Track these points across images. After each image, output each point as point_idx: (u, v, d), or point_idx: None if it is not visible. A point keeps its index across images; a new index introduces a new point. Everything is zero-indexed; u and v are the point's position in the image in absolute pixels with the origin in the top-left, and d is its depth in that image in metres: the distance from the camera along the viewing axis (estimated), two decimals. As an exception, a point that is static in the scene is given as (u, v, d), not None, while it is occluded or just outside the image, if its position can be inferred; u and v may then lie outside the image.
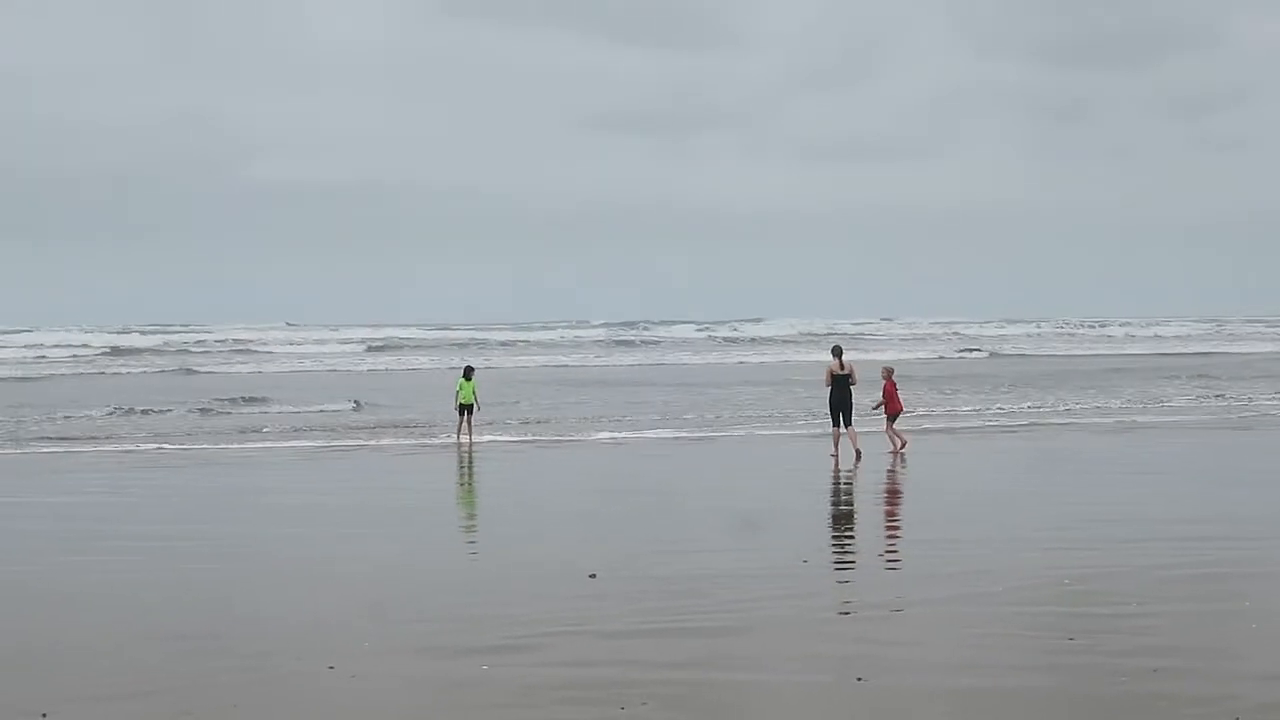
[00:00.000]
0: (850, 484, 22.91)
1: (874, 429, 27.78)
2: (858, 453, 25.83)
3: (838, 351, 27.48)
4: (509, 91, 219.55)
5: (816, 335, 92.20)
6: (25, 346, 76.91)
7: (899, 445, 26.75)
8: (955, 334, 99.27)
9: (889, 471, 24.16)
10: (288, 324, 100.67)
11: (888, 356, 67.37)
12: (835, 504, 21.04)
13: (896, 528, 18.11)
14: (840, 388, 26.73)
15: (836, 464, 25.07)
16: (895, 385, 27.89)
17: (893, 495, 21.80)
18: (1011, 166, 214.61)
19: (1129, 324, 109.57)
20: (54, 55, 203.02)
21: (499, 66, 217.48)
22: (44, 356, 70.84)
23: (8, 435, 31.41)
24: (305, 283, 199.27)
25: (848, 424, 26.60)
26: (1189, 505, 19.54)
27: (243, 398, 41.01)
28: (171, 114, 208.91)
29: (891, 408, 27.50)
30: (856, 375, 27.09)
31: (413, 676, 10.31)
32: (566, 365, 66.60)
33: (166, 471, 24.92)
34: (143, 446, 29.04)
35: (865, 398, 28.73)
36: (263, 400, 40.80)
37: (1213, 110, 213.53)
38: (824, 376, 27.27)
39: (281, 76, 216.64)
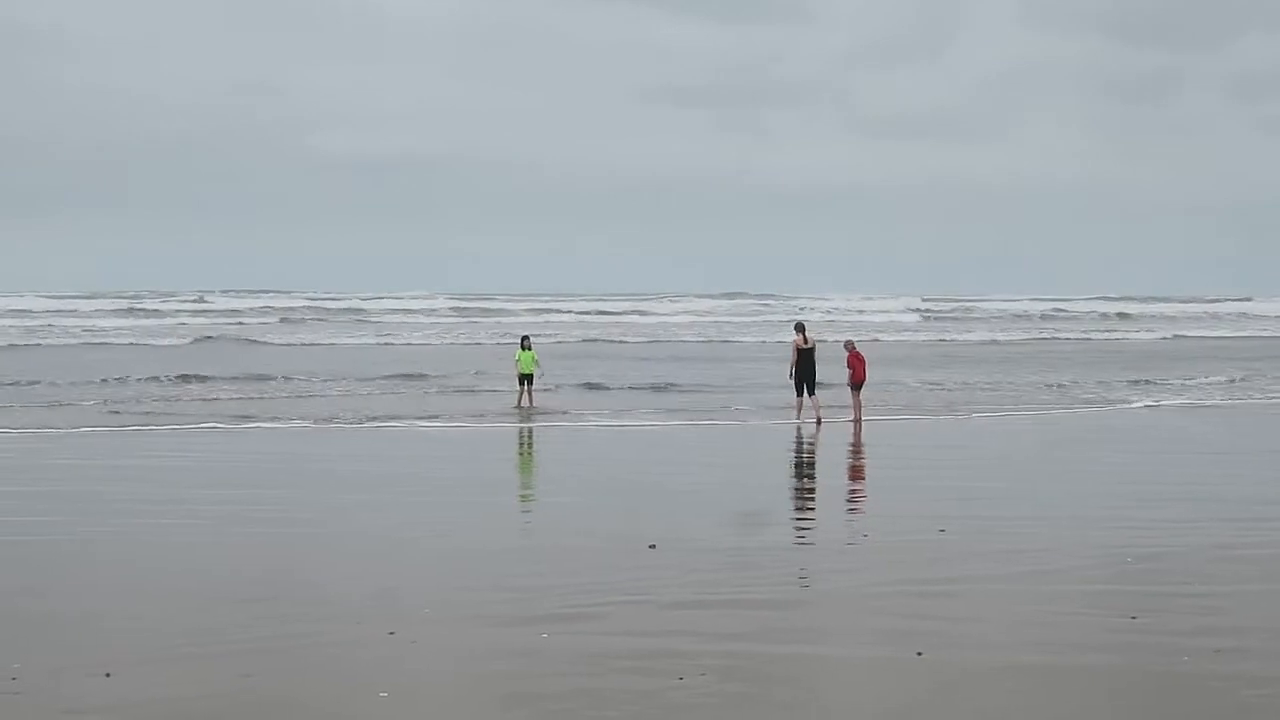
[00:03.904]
0: (905, 460, 22.81)
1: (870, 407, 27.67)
2: (819, 419, 27.41)
3: (800, 327, 29.30)
4: (572, 65, 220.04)
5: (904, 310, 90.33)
6: (222, 311, 75.64)
7: (856, 414, 27.85)
8: (1058, 311, 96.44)
9: (869, 447, 24.05)
10: (432, 293, 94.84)
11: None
12: (891, 478, 20.94)
13: (954, 503, 17.96)
14: (805, 361, 28.26)
15: (799, 431, 26.57)
16: (859, 357, 28.66)
17: (950, 471, 21.64)
18: (1079, 144, 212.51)
19: (1238, 302, 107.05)
20: (120, 26, 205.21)
21: (562, 40, 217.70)
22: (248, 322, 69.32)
23: (262, 411, 30.09)
24: (371, 253, 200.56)
25: (811, 393, 28.15)
26: (1254, 485, 19.31)
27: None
28: (234, 84, 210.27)
29: (855, 377, 28.44)
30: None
31: (472, 644, 10.37)
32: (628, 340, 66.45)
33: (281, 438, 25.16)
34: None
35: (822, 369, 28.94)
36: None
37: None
38: (790, 351, 28.85)
39: (342, 48, 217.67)
